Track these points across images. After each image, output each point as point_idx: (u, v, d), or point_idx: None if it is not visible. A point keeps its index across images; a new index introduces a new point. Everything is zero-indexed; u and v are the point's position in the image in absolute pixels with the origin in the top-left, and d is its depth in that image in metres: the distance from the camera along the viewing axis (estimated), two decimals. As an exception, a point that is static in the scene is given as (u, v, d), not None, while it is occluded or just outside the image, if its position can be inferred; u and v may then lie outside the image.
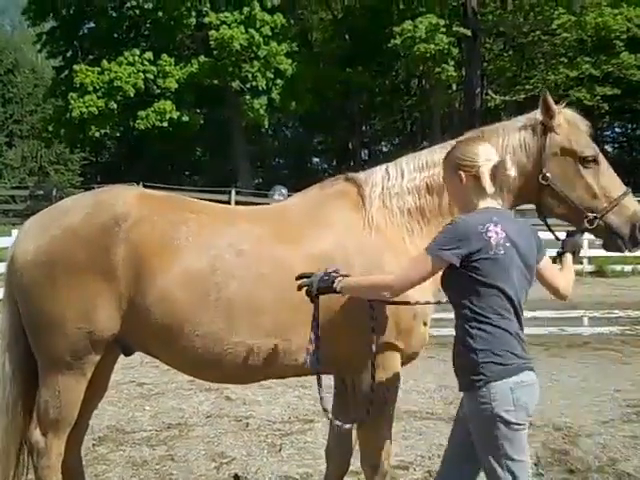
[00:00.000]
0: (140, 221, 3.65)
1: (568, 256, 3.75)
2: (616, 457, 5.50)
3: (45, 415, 3.76)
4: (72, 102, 33.48)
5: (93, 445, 6.10)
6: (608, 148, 55.81)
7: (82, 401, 3.84)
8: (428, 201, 3.82)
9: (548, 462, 5.57)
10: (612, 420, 6.19)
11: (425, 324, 3.76)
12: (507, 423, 3.14)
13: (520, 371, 3.19)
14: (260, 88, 33.85)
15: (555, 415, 6.76)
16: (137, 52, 34.53)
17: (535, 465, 5.51)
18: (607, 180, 3.85)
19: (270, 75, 34.02)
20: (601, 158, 3.85)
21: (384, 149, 48.73)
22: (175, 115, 33.93)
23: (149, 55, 34.30)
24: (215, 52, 33.43)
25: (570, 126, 3.83)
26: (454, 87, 39.46)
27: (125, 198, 3.77)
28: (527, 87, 36.08)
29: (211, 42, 33.05)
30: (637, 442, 6.00)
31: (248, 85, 33.96)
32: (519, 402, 3.16)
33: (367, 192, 3.84)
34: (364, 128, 46.78)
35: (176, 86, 34.01)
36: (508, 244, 3.20)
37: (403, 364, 3.83)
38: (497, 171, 3.34)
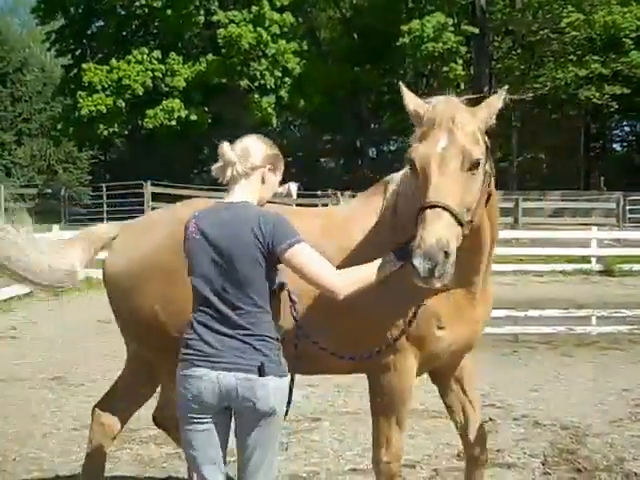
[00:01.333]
0: None
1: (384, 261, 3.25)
2: (624, 456, 5.47)
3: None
4: (81, 101, 33.63)
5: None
6: (617, 147, 55.66)
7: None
8: None
9: (555, 461, 5.56)
10: (620, 419, 6.17)
11: (442, 327, 3.62)
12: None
13: (190, 366, 3.15)
14: (268, 87, 33.88)
15: (562, 414, 6.74)
16: (145, 51, 34.65)
17: (542, 464, 5.50)
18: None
19: (278, 74, 34.05)
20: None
21: (392, 147, 48.60)
22: (183, 114, 34.00)
23: (157, 54, 34.41)
24: (223, 50, 33.50)
25: None
26: (462, 86, 39.35)
27: None
28: (535, 86, 36.01)
29: (219, 40, 33.12)
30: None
31: (256, 83, 33.99)
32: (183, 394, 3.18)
33: None
34: (372, 126, 46.68)
35: (184, 85, 34.11)
36: (197, 236, 3.18)
37: (425, 368, 3.82)
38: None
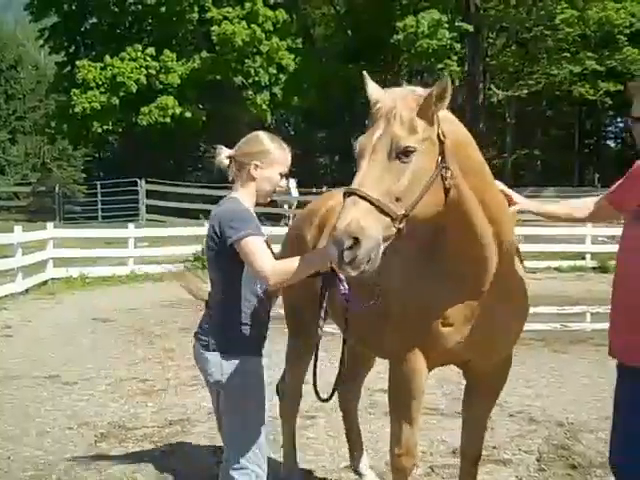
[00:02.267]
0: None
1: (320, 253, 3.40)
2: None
3: None
4: (75, 98, 33.57)
5: (95, 441, 6.12)
6: (611, 143, 55.75)
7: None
8: None
9: (550, 458, 5.58)
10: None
11: (449, 325, 3.55)
12: None
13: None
14: (263, 83, 33.88)
15: (557, 411, 6.76)
16: (139, 47, 34.59)
17: (537, 461, 5.52)
18: None
19: (273, 70, 34.04)
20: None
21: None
22: (178, 111, 33.96)
23: (151, 51, 34.35)
24: (217, 47, 33.47)
25: None
26: (457, 82, 39.38)
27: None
28: (530, 82, 36.06)
29: (213, 37, 33.09)
30: None
31: (250, 80, 33.97)
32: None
33: None
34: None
35: (178, 82, 34.06)
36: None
37: (436, 363, 3.79)
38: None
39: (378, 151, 2.95)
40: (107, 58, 33.99)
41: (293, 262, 3.22)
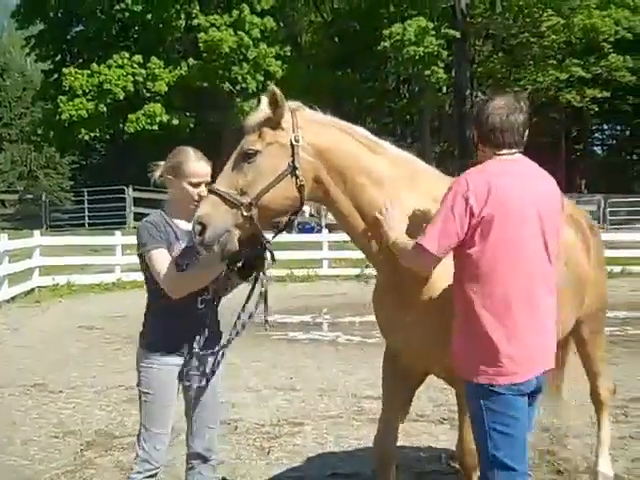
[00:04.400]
0: None
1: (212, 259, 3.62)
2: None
3: None
4: (61, 105, 33.44)
5: (81, 450, 6.09)
6: (597, 150, 56.07)
7: None
8: None
9: (535, 463, 5.58)
10: (602, 421, 6.18)
11: (386, 330, 3.95)
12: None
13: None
14: (250, 90, 33.85)
15: (543, 416, 6.76)
16: (126, 55, 34.48)
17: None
18: None
19: (260, 77, 34.02)
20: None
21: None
22: (165, 118, 33.89)
23: (138, 58, 34.24)
24: (204, 55, 33.44)
25: None
26: (444, 89, 39.55)
27: None
28: (516, 89, 36.19)
29: (200, 45, 33.07)
30: (625, 443, 6.02)
31: (238, 87, 33.97)
32: None
33: None
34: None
35: (166, 89, 33.97)
36: None
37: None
38: None
39: (233, 155, 3.54)
40: (94, 65, 33.90)
41: (190, 272, 3.72)
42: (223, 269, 3.67)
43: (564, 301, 3.91)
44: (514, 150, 3.33)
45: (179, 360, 3.83)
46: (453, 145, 40.15)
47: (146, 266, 3.78)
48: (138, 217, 30.51)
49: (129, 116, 33.75)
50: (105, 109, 33.59)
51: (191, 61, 34.69)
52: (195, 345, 3.79)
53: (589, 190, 35.00)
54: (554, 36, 34.18)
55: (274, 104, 3.47)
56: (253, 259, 3.67)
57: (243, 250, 3.52)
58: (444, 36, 33.15)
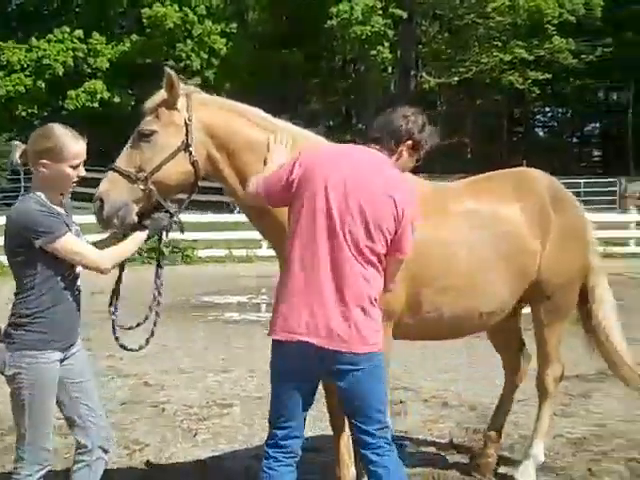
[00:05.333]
0: None
1: (135, 232, 3.73)
2: (527, 434, 5.52)
3: None
4: (-2, 81, 32.59)
5: (2, 434, 5.92)
6: (539, 132, 56.89)
7: None
8: None
9: (460, 441, 5.63)
10: (528, 399, 6.23)
11: None
12: None
13: None
14: (194, 68, 33.39)
15: (471, 395, 6.83)
16: (67, 29, 33.67)
17: (450, 443, 5.57)
18: None
19: (204, 55, 33.57)
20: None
21: (320, 131, 48.68)
22: (106, 95, 33.24)
23: (79, 33, 33.50)
24: (148, 30, 32.84)
25: None
26: (390, 69, 39.55)
27: None
28: (461, 70, 36.44)
29: (144, 20, 32.45)
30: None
31: (182, 64, 33.46)
32: None
33: None
34: (300, 110, 46.55)
35: (107, 65, 33.30)
36: None
37: None
38: None
39: (133, 136, 3.82)
40: (33, 40, 33.05)
41: (117, 248, 3.67)
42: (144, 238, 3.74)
43: (488, 273, 4.20)
44: (372, 145, 3.54)
45: (61, 354, 3.61)
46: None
47: (28, 257, 3.47)
48: (78, 196, 29.91)
49: (69, 93, 33.02)
50: (44, 85, 32.83)
51: (134, 37, 34.03)
52: (79, 330, 3.69)
53: (531, 171, 35.41)
54: (499, 17, 34.40)
55: (170, 87, 3.76)
56: (158, 230, 3.80)
57: (145, 222, 3.71)
58: (391, 16, 33.10)
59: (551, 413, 5.04)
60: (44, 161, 3.50)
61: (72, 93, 32.97)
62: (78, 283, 3.68)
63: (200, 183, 3.90)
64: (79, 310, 3.71)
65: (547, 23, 34.15)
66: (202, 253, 18.27)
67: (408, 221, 3.36)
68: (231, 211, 21.30)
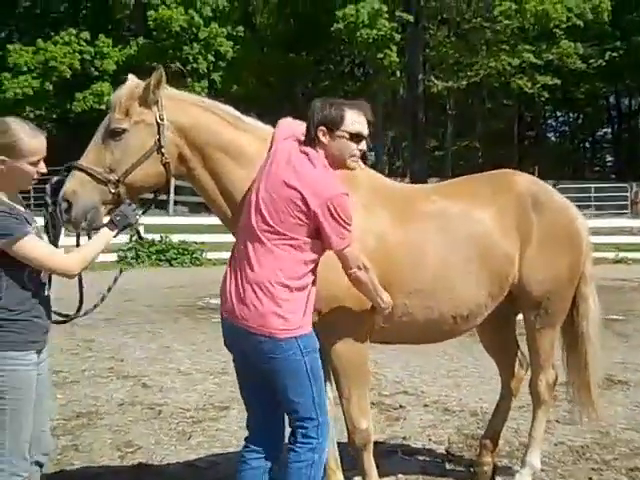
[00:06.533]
0: None
1: (103, 230, 3.54)
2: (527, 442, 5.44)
3: None
4: (6, 82, 32.72)
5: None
6: (550, 136, 56.73)
7: None
8: None
9: (460, 447, 5.53)
10: (528, 405, 6.12)
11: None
12: None
13: None
14: (201, 71, 33.41)
15: (473, 400, 6.72)
16: (73, 32, 33.73)
17: (446, 451, 5.47)
18: None
19: (211, 58, 33.58)
20: None
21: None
22: (114, 97, 33.26)
23: (86, 35, 33.58)
24: (154, 33, 32.86)
25: None
26: (397, 73, 39.49)
27: None
28: (469, 74, 36.34)
29: (150, 23, 32.47)
30: (550, 427, 5.98)
31: (189, 67, 33.48)
32: None
33: None
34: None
35: (114, 68, 33.33)
36: None
37: None
38: None
39: (99, 133, 3.62)
40: (39, 42, 33.12)
41: (87, 247, 3.47)
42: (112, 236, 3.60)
43: (458, 277, 4.10)
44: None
45: (38, 355, 3.46)
46: (406, 129, 40.19)
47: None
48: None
49: (76, 95, 33.06)
50: (51, 87, 32.91)
51: (141, 40, 34.07)
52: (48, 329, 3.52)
53: (541, 176, 35.14)
54: (507, 21, 34.28)
55: (157, 85, 3.60)
56: (127, 227, 3.63)
57: (115, 219, 3.53)
58: (397, 19, 33.05)
59: (545, 420, 4.91)
60: (1, 158, 3.27)
61: (79, 95, 33.02)
62: (44, 282, 3.47)
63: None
64: (49, 311, 3.54)
65: (555, 27, 33.99)
66: (210, 255, 18.55)
67: (326, 213, 3.28)
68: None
